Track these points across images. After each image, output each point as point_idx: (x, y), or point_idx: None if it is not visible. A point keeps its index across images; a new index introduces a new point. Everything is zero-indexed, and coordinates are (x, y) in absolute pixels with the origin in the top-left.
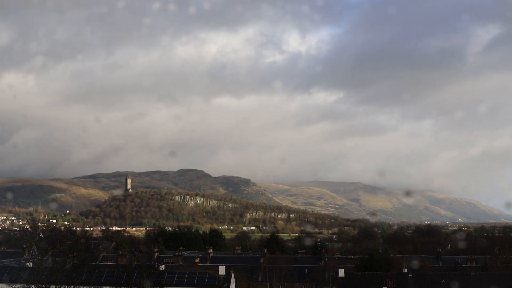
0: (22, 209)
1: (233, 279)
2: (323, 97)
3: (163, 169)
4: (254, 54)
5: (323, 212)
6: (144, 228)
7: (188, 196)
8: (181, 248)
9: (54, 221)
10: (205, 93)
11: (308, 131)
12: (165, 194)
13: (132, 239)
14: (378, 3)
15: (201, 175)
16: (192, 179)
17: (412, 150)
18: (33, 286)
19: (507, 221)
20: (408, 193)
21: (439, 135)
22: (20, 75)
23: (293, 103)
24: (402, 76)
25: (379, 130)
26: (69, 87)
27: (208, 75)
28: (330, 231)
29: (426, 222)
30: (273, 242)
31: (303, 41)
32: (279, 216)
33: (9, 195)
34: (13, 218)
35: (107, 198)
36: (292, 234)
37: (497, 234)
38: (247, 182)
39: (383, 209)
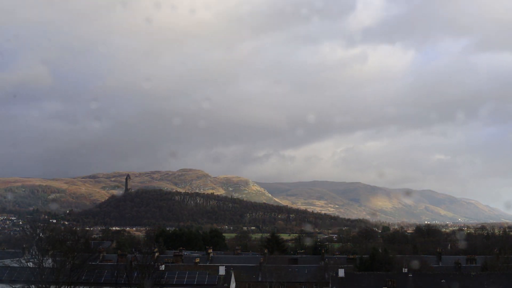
0: (22, 209)
1: (233, 279)
2: None
3: (163, 169)
4: None
5: (323, 212)
6: (144, 228)
7: (188, 196)
8: (181, 248)
9: (54, 221)
10: None
11: None
12: (165, 194)
13: (132, 239)
14: None
15: (201, 175)
16: (192, 179)
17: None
18: (33, 286)
19: (507, 221)
20: (408, 193)
21: None
22: None
23: None
24: None
25: None
26: None
27: None
28: (330, 231)
29: (426, 222)
30: (273, 242)
31: None
32: (279, 216)
33: (9, 195)
34: (13, 218)
35: (107, 198)
36: (292, 234)
37: (497, 234)
38: (247, 182)
39: (383, 209)
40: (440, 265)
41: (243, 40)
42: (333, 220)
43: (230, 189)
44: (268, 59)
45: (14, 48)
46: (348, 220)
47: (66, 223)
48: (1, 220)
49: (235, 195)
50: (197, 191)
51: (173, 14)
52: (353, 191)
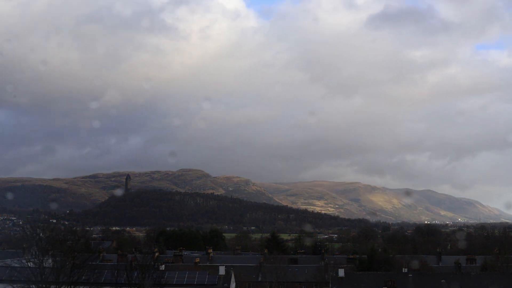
0: (22, 209)
1: (233, 279)
2: None
3: (163, 169)
4: None
5: (323, 212)
6: (144, 228)
7: (188, 196)
8: (181, 248)
9: (54, 221)
10: None
11: None
12: (165, 194)
13: (132, 239)
14: None
15: (201, 175)
16: (192, 179)
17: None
18: (33, 286)
19: (507, 221)
20: (408, 193)
21: None
22: None
23: None
24: None
25: None
26: None
27: None
28: (330, 231)
29: (426, 222)
30: (273, 242)
31: None
32: (279, 216)
33: (9, 195)
34: (13, 218)
35: (107, 198)
36: (292, 234)
37: (497, 234)
38: (247, 182)
39: (383, 209)
40: (440, 265)
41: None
42: (333, 220)
43: (230, 189)
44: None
45: None
46: (348, 220)
47: (66, 223)
48: (1, 220)
49: (235, 195)
50: (197, 191)
51: None
52: (353, 191)
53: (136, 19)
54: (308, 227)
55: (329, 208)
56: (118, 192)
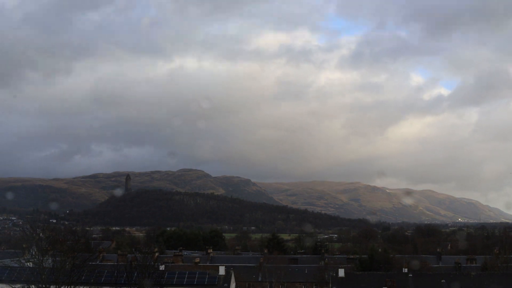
0: (22, 209)
1: (233, 279)
2: None
3: (163, 169)
4: None
5: (323, 212)
6: (144, 228)
7: (188, 196)
8: (181, 248)
9: (54, 221)
10: None
11: None
12: (165, 194)
13: (132, 239)
14: None
15: (201, 175)
16: (192, 179)
17: None
18: (33, 286)
19: (507, 221)
20: (408, 193)
21: None
22: None
23: None
24: None
25: None
26: None
27: None
28: (330, 231)
29: (426, 222)
30: (273, 242)
31: None
32: (279, 216)
33: (9, 195)
34: (13, 218)
35: (107, 198)
36: (292, 234)
37: (497, 234)
38: (247, 182)
39: (383, 209)
40: (440, 265)
41: None
42: (333, 220)
43: (230, 189)
44: None
45: None
46: (348, 220)
47: (66, 223)
48: (1, 220)
49: (235, 195)
50: (197, 191)
51: None
52: (353, 191)
53: None
54: (308, 227)
55: (329, 208)
56: (118, 192)
